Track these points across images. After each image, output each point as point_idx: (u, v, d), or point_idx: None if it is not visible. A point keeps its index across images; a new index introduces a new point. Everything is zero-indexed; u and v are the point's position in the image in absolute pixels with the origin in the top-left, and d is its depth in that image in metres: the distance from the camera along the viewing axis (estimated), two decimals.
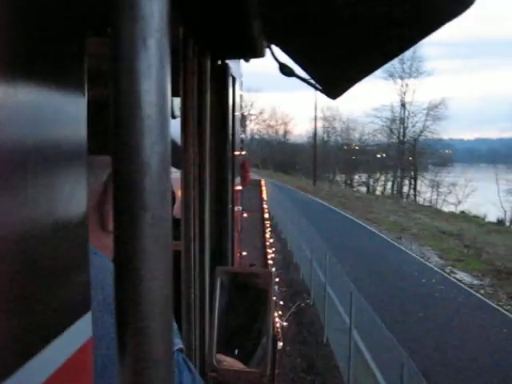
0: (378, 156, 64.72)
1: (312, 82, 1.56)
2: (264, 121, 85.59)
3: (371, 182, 66.20)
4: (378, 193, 61.61)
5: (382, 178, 64.79)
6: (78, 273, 0.50)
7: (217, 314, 1.55)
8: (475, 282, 14.63)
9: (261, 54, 1.61)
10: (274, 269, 9.02)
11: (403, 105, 59.33)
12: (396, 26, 1.11)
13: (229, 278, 1.60)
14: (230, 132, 1.83)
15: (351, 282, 8.10)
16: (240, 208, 4.11)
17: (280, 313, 8.48)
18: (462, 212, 35.78)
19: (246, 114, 79.29)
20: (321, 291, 10.24)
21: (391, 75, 58.98)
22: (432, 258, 17.94)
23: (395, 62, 55.67)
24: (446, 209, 41.94)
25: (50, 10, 0.42)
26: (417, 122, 59.12)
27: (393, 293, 12.63)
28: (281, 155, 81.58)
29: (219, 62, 1.73)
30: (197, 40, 1.53)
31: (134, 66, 0.36)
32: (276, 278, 9.65)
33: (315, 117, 57.30)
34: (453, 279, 14.80)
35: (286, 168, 78.81)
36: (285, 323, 8.85)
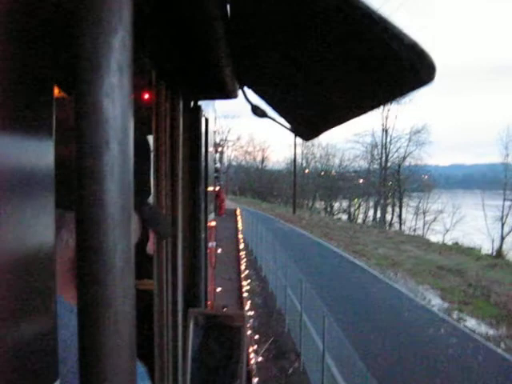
0: (360, 181, 63.01)
1: (284, 124, 1.56)
2: (241, 147, 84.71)
3: (352, 209, 64.28)
4: (359, 220, 59.70)
5: (364, 204, 63.05)
6: (42, 329, 0.43)
7: (190, 356, 1.58)
8: (491, 332, 12.37)
9: (233, 96, 1.63)
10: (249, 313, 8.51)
11: (386, 130, 58.05)
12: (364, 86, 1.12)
13: (202, 320, 1.63)
14: (203, 170, 1.84)
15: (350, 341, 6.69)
16: (214, 244, 4.18)
17: (255, 347, 8.16)
18: (456, 243, 33.59)
19: (221, 142, 78.66)
20: (315, 356, 8.01)
21: None
22: (433, 299, 15.72)
23: None
24: (433, 238, 39.74)
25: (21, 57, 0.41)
26: (399, 148, 57.90)
27: (397, 353, 10.15)
28: (259, 182, 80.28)
29: (192, 104, 1.77)
30: (169, 83, 1.59)
31: (97, 166, 0.37)
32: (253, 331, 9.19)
33: (294, 143, 55.04)
34: (464, 329, 12.49)
35: (264, 195, 77.46)
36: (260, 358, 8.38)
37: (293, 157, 75.38)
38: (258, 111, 1.54)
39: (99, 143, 0.36)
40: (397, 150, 58.52)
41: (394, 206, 57.26)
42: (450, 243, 32.91)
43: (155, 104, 1.59)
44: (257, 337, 9.68)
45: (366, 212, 62.48)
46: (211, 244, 3.61)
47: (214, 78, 1.44)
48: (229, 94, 1.61)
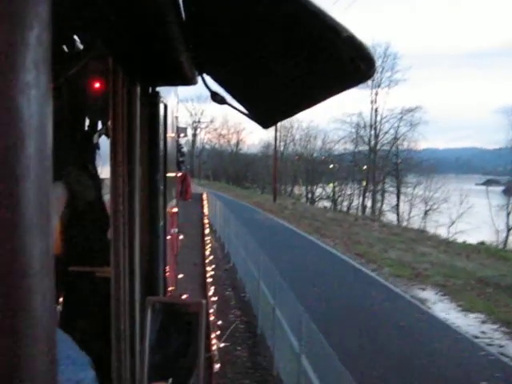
0: (343, 166, 57.46)
1: (243, 110, 1.56)
2: (215, 130, 79.78)
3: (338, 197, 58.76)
4: (342, 208, 54.43)
5: (349, 191, 57.59)
6: None
7: (147, 344, 1.57)
8: None
9: (192, 82, 1.62)
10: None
11: (375, 110, 52.43)
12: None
13: (160, 307, 1.62)
14: (162, 156, 1.84)
15: None
16: (176, 230, 4.36)
17: (218, 333, 7.88)
18: (482, 243, 27.84)
19: (195, 125, 73.56)
20: None
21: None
22: (506, 345, 10.20)
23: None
24: (433, 230, 34.31)
25: None
26: (390, 129, 52.38)
27: None
28: (233, 166, 75.31)
29: (150, 90, 1.75)
30: (126, 69, 1.58)
31: (11, 167, 0.35)
32: None
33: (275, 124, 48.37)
34: None
35: (239, 180, 72.47)
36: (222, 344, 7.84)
37: (269, 140, 71.08)
38: (217, 98, 1.53)
39: (13, 143, 0.35)
40: (387, 131, 53.20)
41: (383, 192, 51.73)
42: (474, 242, 26.76)
43: (112, 90, 1.61)
44: None
45: (350, 199, 57.19)
46: (173, 230, 3.95)
47: (170, 64, 1.44)
48: (187, 81, 1.59)
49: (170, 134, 2.60)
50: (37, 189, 0.36)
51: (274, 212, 33.91)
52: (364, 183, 53.65)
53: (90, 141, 2.59)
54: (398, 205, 49.04)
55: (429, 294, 13.91)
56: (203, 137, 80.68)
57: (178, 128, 7.02)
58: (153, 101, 1.76)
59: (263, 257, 10.20)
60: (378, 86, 52.78)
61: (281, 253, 17.34)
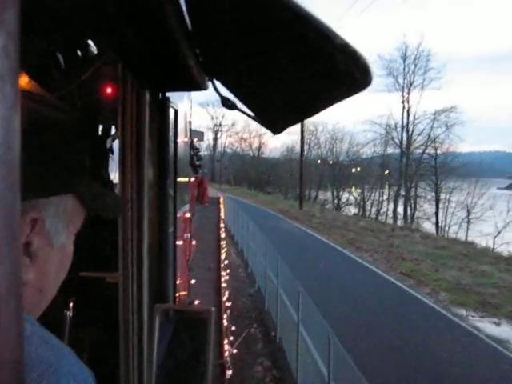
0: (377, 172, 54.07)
1: (253, 115, 1.54)
2: (237, 133, 77.89)
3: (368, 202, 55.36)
4: (373, 215, 51.16)
5: (378, 196, 54.20)
6: None
7: (155, 352, 1.57)
8: None
9: (202, 87, 1.60)
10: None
11: (408, 110, 48.88)
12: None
13: (168, 315, 1.64)
14: (172, 161, 1.84)
15: None
16: (188, 235, 4.23)
17: (232, 338, 7.97)
18: None
19: (216, 128, 72.13)
20: None
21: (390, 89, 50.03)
22: None
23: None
24: (480, 242, 30.75)
25: None
26: (423, 130, 48.76)
27: None
28: (255, 171, 72.93)
29: (160, 95, 1.74)
30: (135, 75, 1.59)
31: None
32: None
33: (301, 125, 44.73)
34: None
35: (261, 185, 70.15)
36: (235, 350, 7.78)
37: (292, 143, 68.48)
38: (227, 103, 1.52)
39: None
40: (420, 133, 49.66)
41: (416, 198, 48.11)
42: None
43: (121, 95, 1.62)
44: None
45: (379, 206, 53.83)
46: (185, 236, 3.92)
47: (179, 70, 1.43)
48: (197, 86, 1.58)
49: (183, 139, 2.80)
50: (1, 207, 0.35)
51: (300, 220, 31.14)
52: (395, 188, 50.20)
53: (102, 146, 2.59)
54: (437, 213, 45.27)
55: (507, 331, 11.01)
56: (224, 141, 78.82)
57: (191, 132, 7.05)
58: (162, 106, 1.75)
59: (303, 293, 7.59)
60: (411, 85, 49.55)
61: (313, 272, 14.93)
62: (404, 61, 50.13)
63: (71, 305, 2.18)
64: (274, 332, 9.76)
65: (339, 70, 0.88)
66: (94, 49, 2.11)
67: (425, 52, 51.68)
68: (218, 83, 1.52)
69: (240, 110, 1.52)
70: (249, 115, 1.52)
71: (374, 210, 54.25)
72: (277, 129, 1.62)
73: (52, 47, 2.03)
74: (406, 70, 50.10)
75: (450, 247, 23.39)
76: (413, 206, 48.47)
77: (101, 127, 2.59)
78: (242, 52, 1.23)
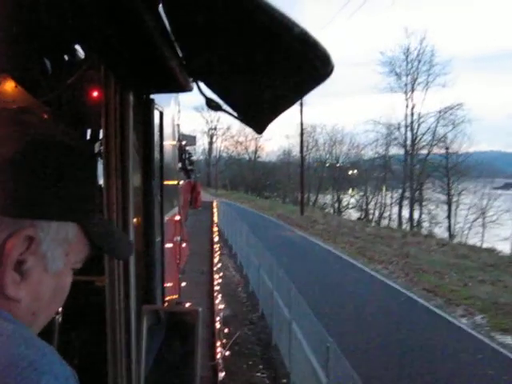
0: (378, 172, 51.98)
1: (237, 116, 1.54)
2: (232, 137, 76.46)
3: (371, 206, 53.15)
4: (376, 219, 49.09)
5: (380, 199, 52.09)
6: None
7: (144, 353, 1.59)
8: None
9: (186, 89, 1.60)
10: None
11: (412, 108, 46.70)
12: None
13: (156, 316, 1.64)
14: (158, 164, 1.84)
15: None
16: (178, 238, 4.08)
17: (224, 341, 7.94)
18: None
19: (211, 132, 71.44)
20: None
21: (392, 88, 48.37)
22: None
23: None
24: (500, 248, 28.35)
25: None
26: (428, 129, 46.49)
27: None
28: (252, 175, 71.61)
29: (144, 97, 1.74)
30: (119, 77, 1.59)
31: None
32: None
33: (301, 125, 42.51)
34: None
35: (258, 189, 68.89)
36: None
37: (289, 146, 66.79)
38: (212, 104, 1.51)
39: None
40: (426, 132, 47.52)
41: (421, 201, 45.83)
42: None
43: (104, 99, 1.63)
44: None
45: (381, 209, 51.74)
46: (176, 238, 3.80)
47: (162, 71, 1.42)
48: (181, 87, 1.57)
49: (170, 142, 2.67)
50: None
51: (303, 227, 28.93)
52: (399, 190, 48.12)
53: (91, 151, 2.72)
54: (449, 216, 42.99)
55: None
56: (220, 145, 77.28)
57: (181, 136, 7.75)
58: (146, 108, 1.75)
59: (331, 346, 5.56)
60: (414, 81, 47.66)
61: (326, 294, 12.89)
62: (407, 57, 48.19)
63: (60, 309, 1.96)
64: (287, 380, 7.76)
65: (299, 60, 0.90)
66: (80, 53, 2.10)
67: (429, 47, 49.74)
68: (202, 85, 1.51)
69: (225, 111, 1.51)
70: (233, 116, 1.52)
71: (376, 213, 52.24)
72: (260, 128, 1.62)
73: (38, 51, 1.99)
74: (409, 66, 48.11)
75: (473, 256, 20.79)
76: (419, 209, 46.21)
77: (88, 132, 2.61)
78: (223, 53, 1.23)
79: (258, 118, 1.61)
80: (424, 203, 45.75)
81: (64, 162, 0.79)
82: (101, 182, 1.68)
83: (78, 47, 2.08)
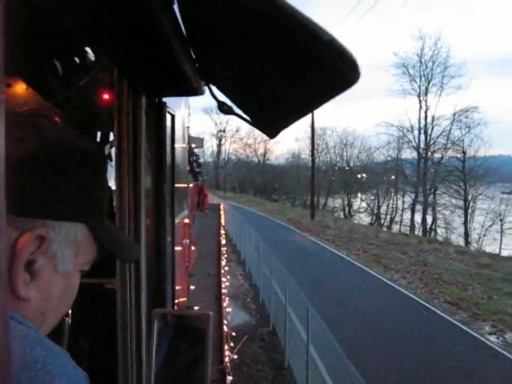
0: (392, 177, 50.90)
1: (249, 120, 1.52)
2: (241, 139, 75.70)
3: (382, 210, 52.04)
4: (387, 223, 47.97)
5: (392, 204, 50.99)
6: None
7: (154, 357, 1.55)
8: None
9: (199, 92, 1.58)
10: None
11: (426, 111, 45.55)
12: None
13: (166, 320, 1.60)
14: (169, 166, 1.84)
15: None
16: (187, 241, 4.10)
17: (232, 344, 7.88)
18: None
19: (219, 134, 71.22)
20: None
21: (404, 91, 47.33)
22: None
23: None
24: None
25: None
26: (442, 132, 45.37)
27: None
28: (261, 178, 70.85)
29: (156, 101, 1.74)
30: (131, 80, 1.58)
31: None
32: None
33: (312, 127, 41.58)
34: None
35: (267, 192, 68.12)
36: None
37: (299, 149, 65.87)
38: (224, 108, 1.49)
39: None
40: (440, 134, 46.36)
41: (434, 206, 44.69)
42: None
43: (117, 101, 1.62)
44: None
45: (392, 213, 50.64)
46: (185, 241, 3.79)
47: (175, 75, 1.41)
48: (193, 91, 1.55)
49: (181, 145, 2.81)
50: None
51: (314, 233, 28.01)
52: (412, 195, 46.99)
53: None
54: (466, 222, 41.69)
55: None
56: (228, 147, 76.60)
57: (190, 138, 8.25)
58: (158, 111, 1.75)
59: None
60: (429, 83, 46.58)
61: (341, 307, 11.93)
62: (421, 58, 47.12)
63: (70, 311, 2.10)
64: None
65: (326, 67, 0.86)
66: (91, 55, 2.09)
67: (444, 48, 48.68)
68: (214, 88, 1.49)
69: (236, 115, 1.49)
70: (245, 120, 1.50)
71: (388, 218, 51.14)
72: (273, 132, 1.59)
73: (49, 54, 1.98)
74: (423, 67, 47.04)
75: (496, 266, 19.40)
76: (431, 214, 45.03)
77: (99, 134, 2.59)
78: (237, 57, 1.21)
79: (272, 122, 1.57)
80: (438, 208, 44.51)
81: (75, 165, 0.80)
82: (112, 184, 1.68)
83: (88, 49, 2.09)
